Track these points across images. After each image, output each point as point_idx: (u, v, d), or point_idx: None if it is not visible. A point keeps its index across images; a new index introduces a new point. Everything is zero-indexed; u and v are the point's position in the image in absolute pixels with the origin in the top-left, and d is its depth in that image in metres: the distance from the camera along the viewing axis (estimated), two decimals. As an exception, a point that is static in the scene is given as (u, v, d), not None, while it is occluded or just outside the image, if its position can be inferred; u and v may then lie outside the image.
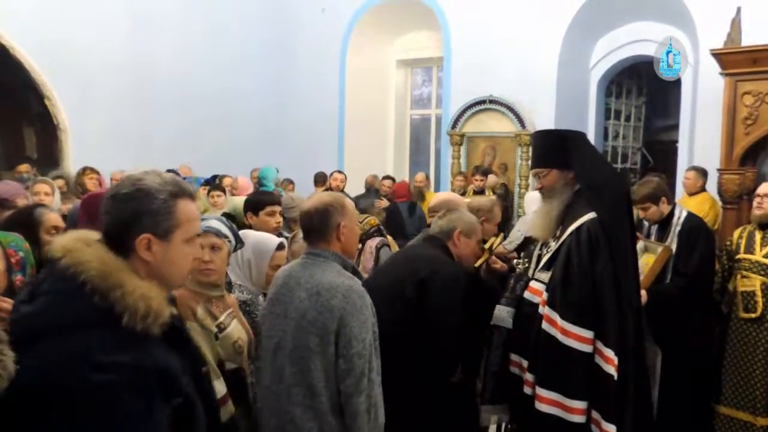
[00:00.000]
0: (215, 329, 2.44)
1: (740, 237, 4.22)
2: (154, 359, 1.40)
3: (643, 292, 3.59)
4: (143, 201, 1.50)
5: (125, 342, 1.38)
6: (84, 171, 6.42)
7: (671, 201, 4.13)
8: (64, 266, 1.43)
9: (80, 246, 1.47)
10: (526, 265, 3.25)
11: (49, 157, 8.00)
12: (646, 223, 4.23)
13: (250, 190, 8.10)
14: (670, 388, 3.83)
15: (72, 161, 7.96)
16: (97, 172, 6.54)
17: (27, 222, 2.83)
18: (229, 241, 2.61)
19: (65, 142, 8.11)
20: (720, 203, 5.88)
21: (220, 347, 2.43)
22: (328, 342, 2.20)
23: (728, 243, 4.33)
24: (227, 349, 2.43)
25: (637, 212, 3.95)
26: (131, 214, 1.49)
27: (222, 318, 2.48)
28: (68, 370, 1.31)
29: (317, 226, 2.33)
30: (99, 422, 1.32)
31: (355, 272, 2.38)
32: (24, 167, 6.94)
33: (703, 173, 6.11)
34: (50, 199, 4.62)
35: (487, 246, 3.37)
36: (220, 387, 2.38)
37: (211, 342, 2.42)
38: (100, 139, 8.00)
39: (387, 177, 8.93)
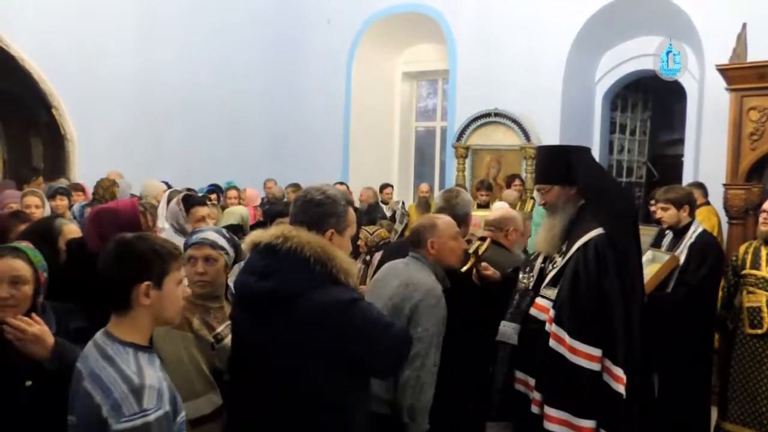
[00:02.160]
0: (212, 340, 2.45)
1: (746, 252, 4.22)
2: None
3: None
4: (332, 206, 2.17)
5: (347, 288, 2.09)
6: (112, 183, 6.48)
7: (692, 214, 4.15)
8: (290, 247, 2.04)
9: (296, 232, 2.08)
10: (531, 280, 3.23)
11: (55, 167, 8.05)
12: (665, 242, 4.23)
13: (258, 201, 8.13)
14: (666, 404, 3.80)
15: (78, 171, 8.00)
16: (116, 183, 6.60)
17: (47, 233, 2.85)
18: (227, 254, 2.61)
19: (72, 151, 8.16)
20: (721, 217, 5.87)
21: (218, 358, 2.44)
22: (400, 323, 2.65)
23: (734, 258, 4.33)
24: (224, 359, 2.43)
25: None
26: (324, 214, 2.15)
27: (220, 329, 2.48)
28: (337, 308, 2.01)
29: (414, 240, 2.95)
30: (366, 321, 2.08)
31: (443, 279, 2.86)
32: (37, 183, 6.94)
33: (700, 187, 6.12)
34: (40, 212, 4.55)
35: (471, 250, 3.32)
36: (216, 399, 2.40)
37: (207, 352, 2.42)
38: (107, 148, 8.05)
39: (386, 185, 8.96)
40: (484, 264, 3.35)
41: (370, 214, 7.62)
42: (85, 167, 7.82)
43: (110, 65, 8.27)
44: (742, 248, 4.32)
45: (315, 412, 2.04)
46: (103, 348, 1.73)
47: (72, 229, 2.96)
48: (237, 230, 4.16)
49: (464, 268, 3.27)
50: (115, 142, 8.18)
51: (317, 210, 2.15)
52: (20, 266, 2.14)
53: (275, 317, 2.02)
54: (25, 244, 2.33)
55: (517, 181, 8.03)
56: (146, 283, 1.75)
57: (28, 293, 2.13)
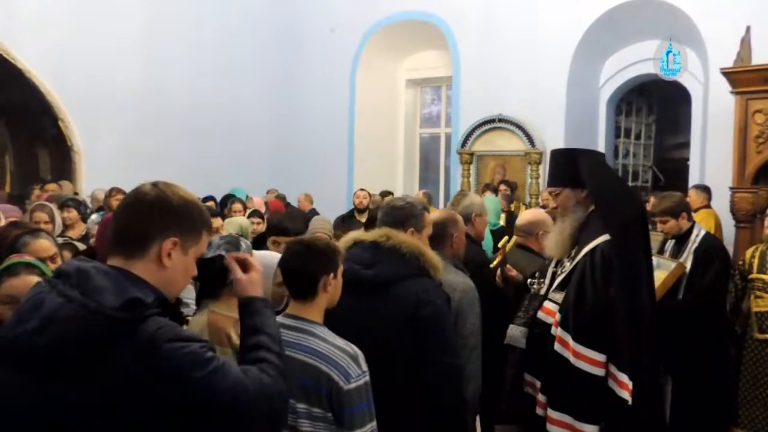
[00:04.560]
0: None
1: (752, 256, 4.19)
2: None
3: None
4: (410, 210, 2.69)
5: (436, 286, 2.55)
6: (111, 192, 6.48)
7: (691, 218, 4.11)
8: (391, 245, 2.50)
9: (395, 233, 2.55)
10: (541, 284, 3.24)
11: (62, 179, 8.07)
12: (667, 248, 4.21)
13: (264, 209, 8.11)
14: (681, 411, 3.78)
15: (85, 183, 8.04)
16: (124, 193, 6.58)
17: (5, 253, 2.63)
18: None
19: (78, 163, 8.21)
20: (727, 220, 5.86)
21: None
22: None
23: (741, 262, 4.30)
24: None
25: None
26: (406, 216, 2.66)
27: None
28: (426, 298, 2.43)
29: (439, 234, 3.03)
30: (445, 318, 2.51)
31: (463, 269, 3.07)
32: (52, 186, 6.93)
33: (704, 189, 6.10)
34: (50, 227, 4.45)
35: (501, 244, 3.38)
36: None
37: None
38: (113, 160, 8.08)
39: (386, 192, 8.85)
40: (508, 266, 3.40)
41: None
42: (92, 179, 7.85)
43: (116, 77, 8.32)
44: (748, 252, 4.30)
45: (399, 384, 2.37)
46: (304, 328, 2.09)
47: (39, 248, 2.73)
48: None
49: (493, 264, 3.36)
50: (121, 154, 8.21)
51: (399, 213, 2.68)
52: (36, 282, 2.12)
53: (376, 299, 2.43)
54: (29, 258, 2.30)
55: (502, 187, 8.13)
56: (331, 274, 2.12)
57: None
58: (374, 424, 2.06)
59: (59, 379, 1.33)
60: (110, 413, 1.32)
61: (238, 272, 1.72)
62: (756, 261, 4.13)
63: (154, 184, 1.53)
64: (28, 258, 2.31)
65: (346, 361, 2.02)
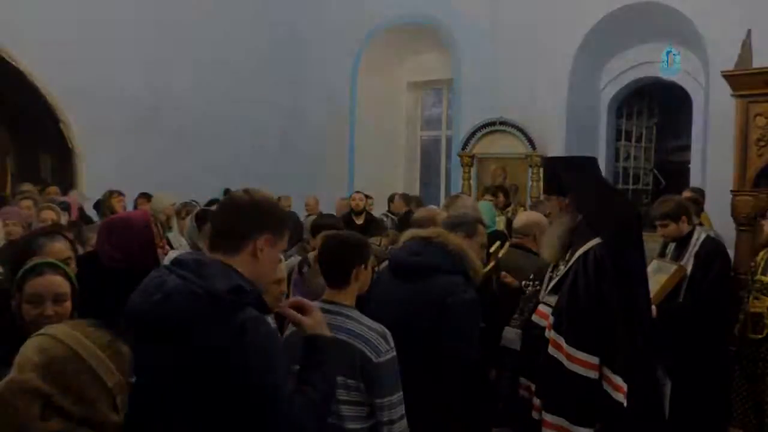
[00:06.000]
0: None
1: (762, 258, 4.20)
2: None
3: (653, 308, 3.58)
4: (462, 218, 3.19)
5: (469, 283, 2.77)
6: (111, 194, 6.49)
7: (691, 221, 4.11)
8: (439, 241, 2.80)
9: (445, 233, 2.86)
10: (537, 287, 3.25)
11: (63, 181, 8.09)
12: (668, 251, 4.20)
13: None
14: (680, 411, 3.78)
15: (86, 185, 8.04)
16: (123, 195, 6.63)
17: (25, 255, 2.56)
18: None
19: (79, 166, 8.21)
20: (727, 223, 5.85)
21: None
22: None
23: (753, 264, 4.31)
24: None
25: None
26: (458, 223, 3.12)
27: None
28: (455, 292, 2.69)
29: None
30: (467, 311, 2.71)
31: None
32: (27, 186, 6.81)
33: (696, 193, 6.10)
34: None
35: (492, 250, 3.42)
36: None
37: None
38: (114, 163, 8.07)
39: (394, 196, 8.84)
40: (503, 273, 3.42)
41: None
42: (93, 181, 7.85)
43: (117, 80, 8.32)
44: (760, 254, 4.30)
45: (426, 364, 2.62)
46: (340, 312, 2.32)
47: (55, 251, 2.69)
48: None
49: (485, 270, 3.36)
50: (122, 157, 8.20)
51: (453, 220, 3.16)
52: (61, 282, 2.12)
53: (416, 284, 2.73)
54: (52, 259, 2.29)
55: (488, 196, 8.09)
56: (362, 265, 2.36)
57: (69, 309, 2.11)
58: (401, 393, 2.29)
59: (165, 341, 1.60)
60: (194, 374, 1.58)
61: (298, 317, 1.87)
62: (762, 263, 4.14)
63: (245, 191, 1.79)
64: (51, 259, 2.30)
65: (375, 338, 2.27)
